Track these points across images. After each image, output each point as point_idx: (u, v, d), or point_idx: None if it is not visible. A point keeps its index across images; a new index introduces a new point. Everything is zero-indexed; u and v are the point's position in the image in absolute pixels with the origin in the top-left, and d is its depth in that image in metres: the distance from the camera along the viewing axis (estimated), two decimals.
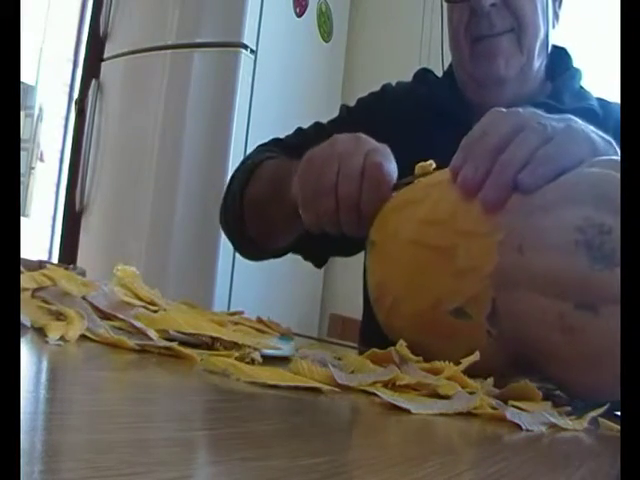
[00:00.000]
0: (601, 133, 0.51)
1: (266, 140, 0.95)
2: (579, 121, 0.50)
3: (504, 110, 0.53)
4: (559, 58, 0.91)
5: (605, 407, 0.42)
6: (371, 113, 0.93)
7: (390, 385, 0.37)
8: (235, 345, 0.42)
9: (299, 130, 0.96)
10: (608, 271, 0.38)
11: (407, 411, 0.32)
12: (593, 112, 0.83)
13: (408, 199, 0.55)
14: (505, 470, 0.24)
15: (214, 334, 0.43)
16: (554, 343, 0.41)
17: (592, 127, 0.51)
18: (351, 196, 0.60)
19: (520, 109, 0.52)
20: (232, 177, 0.89)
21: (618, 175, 0.41)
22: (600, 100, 0.88)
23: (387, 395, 0.33)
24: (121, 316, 0.44)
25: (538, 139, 0.48)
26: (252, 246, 0.87)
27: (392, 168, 0.62)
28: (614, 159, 0.46)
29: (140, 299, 0.51)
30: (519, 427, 0.33)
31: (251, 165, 0.84)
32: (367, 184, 0.60)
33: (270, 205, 0.77)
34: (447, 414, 0.33)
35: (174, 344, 0.38)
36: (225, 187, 0.89)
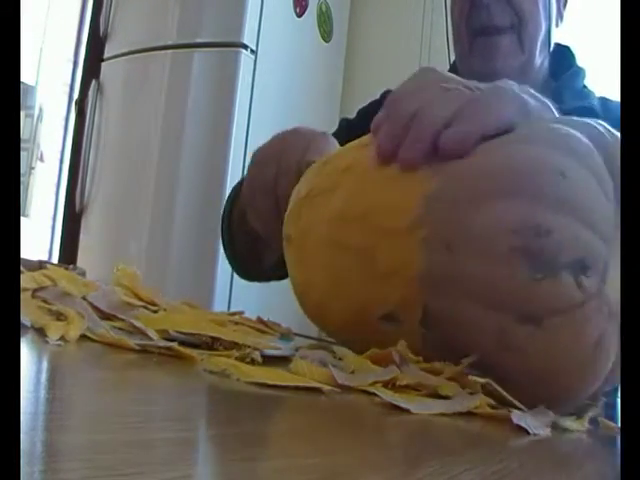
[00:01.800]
0: (536, 94, 0.47)
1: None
2: (509, 81, 0.47)
3: (436, 69, 0.49)
4: (562, 56, 0.91)
5: (602, 406, 0.42)
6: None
7: (390, 385, 0.37)
8: (235, 345, 0.42)
9: None
10: (551, 279, 0.34)
11: (407, 411, 0.32)
12: (592, 111, 0.83)
13: (319, 187, 0.49)
14: (505, 470, 0.24)
15: (214, 334, 0.43)
16: (495, 360, 0.37)
17: (527, 87, 0.47)
18: (291, 191, 0.56)
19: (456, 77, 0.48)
20: (227, 197, 0.85)
21: (557, 158, 0.37)
22: (602, 99, 0.88)
23: (387, 395, 0.33)
24: (121, 316, 0.44)
25: (463, 98, 0.44)
26: (244, 266, 0.84)
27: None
28: (554, 129, 0.40)
29: (140, 299, 0.51)
30: (521, 428, 0.33)
31: (238, 184, 0.82)
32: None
33: (247, 223, 0.72)
34: (447, 414, 0.33)
35: (174, 344, 0.38)
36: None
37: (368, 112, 0.94)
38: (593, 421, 0.38)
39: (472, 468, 0.23)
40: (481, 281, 0.36)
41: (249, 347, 0.41)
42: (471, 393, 0.36)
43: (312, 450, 0.22)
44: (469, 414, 0.34)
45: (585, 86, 0.90)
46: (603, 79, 1.16)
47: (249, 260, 0.81)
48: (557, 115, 0.48)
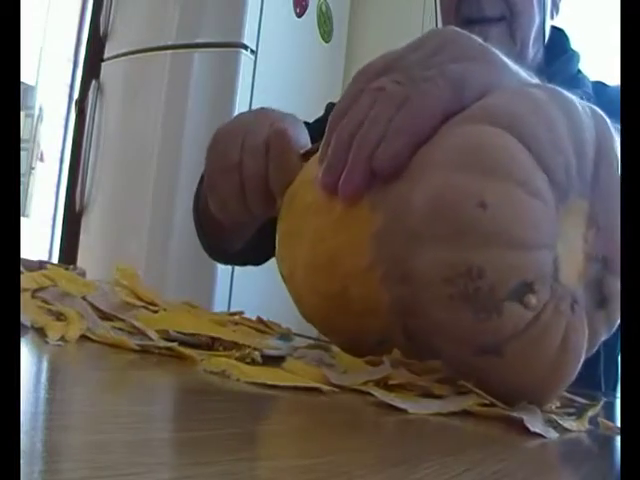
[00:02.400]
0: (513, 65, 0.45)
1: None
2: (453, 66, 0.42)
3: (370, 64, 0.45)
4: (556, 40, 0.89)
5: (601, 405, 0.42)
6: None
7: (382, 384, 0.37)
8: (235, 345, 0.42)
9: None
10: (495, 315, 0.34)
11: (404, 411, 0.32)
12: (586, 99, 0.82)
13: (290, 229, 0.49)
14: (505, 470, 0.24)
15: (214, 334, 0.43)
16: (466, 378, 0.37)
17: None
18: (257, 172, 0.54)
19: (389, 56, 0.44)
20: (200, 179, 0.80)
21: (476, 184, 0.35)
22: (597, 84, 0.86)
23: (383, 395, 0.33)
24: (121, 316, 0.44)
25: (392, 104, 0.41)
26: (215, 250, 0.81)
27: (301, 136, 0.55)
28: (479, 137, 0.37)
29: (140, 299, 0.51)
30: (519, 428, 0.33)
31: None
32: (272, 157, 0.53)
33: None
34: (443, 414, 0.33)
35: (174, 344, 0.38)
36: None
37: None
38: (593, 421, 0.38)
39: (472, 468, 0.23)
40: (433, 319, 0.37)
41: (249, 347, 0.41)
42: (461, 393, 0.36)
43: (312, 450, 0.22)
44: (464, 414, 0.34)
45: (580, 70, 0.88)
46: (598, 62, 1.14)
47: (219, 245, 0.78)
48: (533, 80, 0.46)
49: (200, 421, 0.24)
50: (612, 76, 0.88)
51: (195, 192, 0.80)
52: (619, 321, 0.38)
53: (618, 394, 0.72)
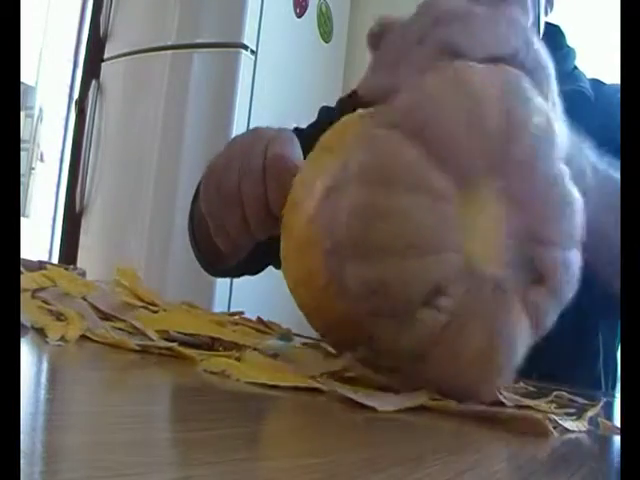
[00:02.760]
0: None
1: None
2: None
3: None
4: (552, 37, 0.89)
5: (601, 405, 0.42)
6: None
7: (337, 378, 0.37)
8: (235, 345, 0.42)
9: None
10: (411, 325, 0.34)
11: (373, 409, 0.31)
12: (583, 95, 0.81)
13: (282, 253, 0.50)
14: (505, 470, 0.24)
15: (214, 334, 0.43)
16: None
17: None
18: (256, 197, 0.54)
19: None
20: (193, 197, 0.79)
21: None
22: (594, 81, 0.86)
23: (345, 390, 0.33)
24: (121, 317, 0.44)
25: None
26: (210, 267, 0.81)
27: (296, 152, 0.55)
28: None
29: (140, 299, 0.51)
30: (516, 428, 0.33)
31: (199, 184, 0.74)
32: (270, 180, 0.53)
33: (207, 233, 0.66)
34: (445, 414, 0.33)
35: (175, 345, 0.38)
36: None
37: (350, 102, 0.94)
38: (593, 421, 0.38)
39: (472, 468, 0.23)
40: (368, 333, 0.37)
41: (249, 347, 0.41)
42: (416, 388, 0.36)
43: (312, 450, 0.22)
44: (463, 415, 0.34)
45: (576, 67, 0.88)
46: (594, 59, 1.14)
47: (217, 262, 0.77)
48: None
49: (200, 421, 0.24)
50: (608, 73, 0.88)
51: (189, 212, 0.79)
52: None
53: (618, 394, 0.72)
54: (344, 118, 0.49)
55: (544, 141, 0.37)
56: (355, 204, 0.36)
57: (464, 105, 0.36)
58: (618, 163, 0.50)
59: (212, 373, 0.34)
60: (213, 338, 0.43)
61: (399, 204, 0.34)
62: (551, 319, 0.38)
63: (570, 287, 0.37)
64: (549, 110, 0.38)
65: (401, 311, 0.34)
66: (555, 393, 0.46)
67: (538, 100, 0.38)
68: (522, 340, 0.36)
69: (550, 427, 0.32)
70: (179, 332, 0.42)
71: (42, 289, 0.47)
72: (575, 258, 0.37)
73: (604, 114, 0.74)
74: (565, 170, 0.38)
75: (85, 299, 0.45)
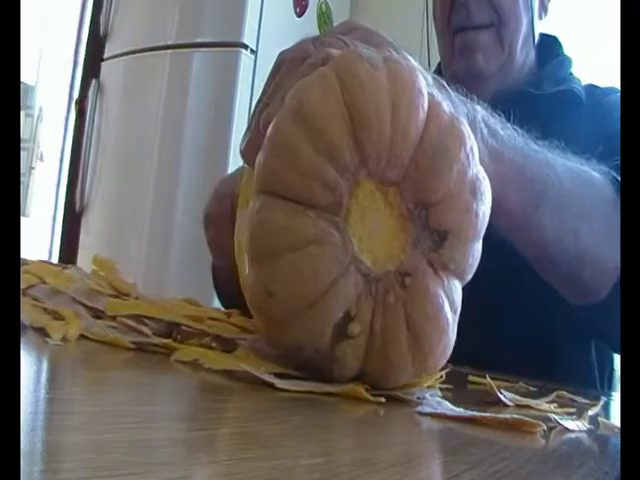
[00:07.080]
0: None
1: None
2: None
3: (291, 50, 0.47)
4: (549, 47, 0.90)
5: (601, 405, 0.42)
6: None
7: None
8: (196, 334, 0.42)
9: None
10: (335, 364, 0.34)
11: (271, 385, 0.32)
12: (573, 94, 0.81)
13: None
14: (505, 470, 0.24)
15: (174, 320, 0.43)
16: None
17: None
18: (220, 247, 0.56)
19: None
20: None
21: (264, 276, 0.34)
22: (589, 85, 0.86)
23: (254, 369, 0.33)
24: (90, 304, 0.44)
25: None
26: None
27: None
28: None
29: (116, 290, 0.51)
30: (513, 428, 0.33)
31: None
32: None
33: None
34: (443, 416, 0.33)
35: (168, 341, 0.39)
36: None
37: None
38: (593, 421, 0.38)
39: (472, 468, 0.23)
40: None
41: (207, 335, 0.41)
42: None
43: (312, 450, 0.22)
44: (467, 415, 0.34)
45: (571, 74, 0.89)
46: (592, 70, 1.15)
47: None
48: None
49: (200, 421, 0.24)
50: (604, 80, 0.89)
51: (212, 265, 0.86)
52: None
53: (613, 393, 0.72)
54: None
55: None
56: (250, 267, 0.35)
57: (350, 112, 0.34)
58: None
59: (212, 372, 0.34)
60: (171, 324, 0.43)
61: (288, 263, 0.33)
62: (467, 262, 0.37)
63: (475, 230, 0.36)
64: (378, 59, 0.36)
65: (320, 360, 0.34)
66: (555, 393, 0.46)
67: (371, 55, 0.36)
68: (449, 307, 0.36)
69: (541, 430, 0.32)
70: (149, 317, 0.43)
71: (31, 286, 0.47)
72: (469, 206, 0.36)
73: (598, 118, 0.75)
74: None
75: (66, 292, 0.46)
